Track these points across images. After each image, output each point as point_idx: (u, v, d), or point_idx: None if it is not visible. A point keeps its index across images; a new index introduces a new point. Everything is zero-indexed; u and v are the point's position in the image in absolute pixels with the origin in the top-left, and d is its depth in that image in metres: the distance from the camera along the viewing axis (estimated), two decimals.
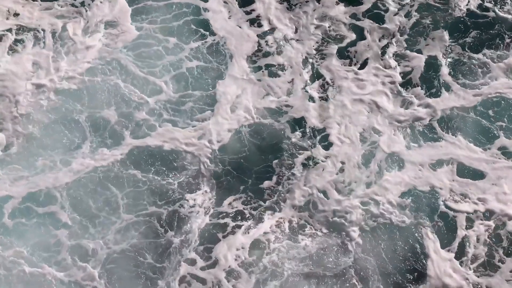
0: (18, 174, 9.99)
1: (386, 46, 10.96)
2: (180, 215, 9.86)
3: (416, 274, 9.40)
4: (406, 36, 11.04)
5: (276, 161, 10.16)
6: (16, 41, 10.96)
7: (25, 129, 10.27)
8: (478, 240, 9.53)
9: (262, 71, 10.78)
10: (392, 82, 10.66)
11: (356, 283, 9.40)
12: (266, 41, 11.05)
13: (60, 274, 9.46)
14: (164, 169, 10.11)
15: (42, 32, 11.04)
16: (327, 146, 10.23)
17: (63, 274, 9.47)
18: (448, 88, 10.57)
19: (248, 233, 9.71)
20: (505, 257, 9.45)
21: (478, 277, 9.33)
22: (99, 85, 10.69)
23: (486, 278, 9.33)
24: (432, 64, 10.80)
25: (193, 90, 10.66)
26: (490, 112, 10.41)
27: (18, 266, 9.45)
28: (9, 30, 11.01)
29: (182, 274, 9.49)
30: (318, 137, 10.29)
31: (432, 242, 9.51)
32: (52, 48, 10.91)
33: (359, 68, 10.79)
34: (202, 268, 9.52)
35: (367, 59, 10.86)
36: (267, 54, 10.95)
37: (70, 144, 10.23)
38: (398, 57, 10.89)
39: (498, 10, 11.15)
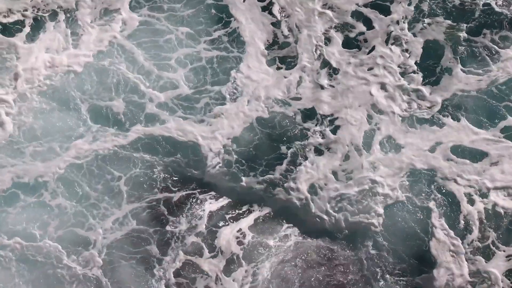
0: (20, 160, 10.07)
1: (391, 33, 11.18)
2: (185, 203, 10.04)
3: (419, 253, 9.79)
4: (409, 23, 11.27)
5: (287, 150, 10.38)
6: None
7: (27, 115, 10.32)
8: (478, 219, 9.88)
9: (276, 61, 10.95)
10: (396, 68, 10.92)
11: (362, 265, 9.82)
12: (279, 30, 11.18)
13: (62, 258, 9.65)
14: (171, 157, 10.29)
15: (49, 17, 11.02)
16: (335, 130, 10.49)
17: (65, 257, 9.67)
18: (450, 72, 10.83)
19: (253, 222, 9.99)
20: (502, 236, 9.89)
21: (474, 255, 9.75)
22: (106, 72, 10.78)
23: (482, 257, 9.74)
24: (434, 49, 11.06)
25: (206, 81, 10.82)
26: (495, 94, 10.77)
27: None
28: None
29: (183, 261, 9.73)
30: (327, 124, 10.55)
31: (434, 222, 9.85)
32: (59, 33, 10.92)
33: (366, 54, 11.03)
34: (203, 256, 9.76)
35: (374, 46, 11.09)
36: (279, 43, 11.11)
37: (73, 129, 10.35)
38: (402, 43, 11.11)
39: None
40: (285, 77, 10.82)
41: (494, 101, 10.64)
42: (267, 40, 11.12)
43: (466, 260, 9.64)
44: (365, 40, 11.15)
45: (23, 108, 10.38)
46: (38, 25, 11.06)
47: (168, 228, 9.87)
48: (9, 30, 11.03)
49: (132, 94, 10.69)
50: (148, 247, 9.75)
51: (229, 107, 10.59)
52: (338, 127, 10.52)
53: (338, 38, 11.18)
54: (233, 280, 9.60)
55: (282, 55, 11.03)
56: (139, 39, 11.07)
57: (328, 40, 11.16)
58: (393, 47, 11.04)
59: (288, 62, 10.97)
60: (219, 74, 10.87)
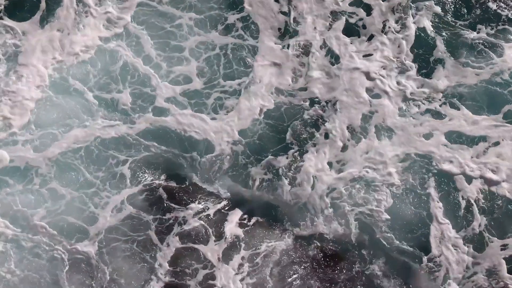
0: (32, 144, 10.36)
1: (389, 20, 11.25)
2: (187, 193, 10.42)
3: (417, 241, 10.12)
4: (410, 10, 11.34)
5: (292, 140, 10.63)
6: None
7: (37, 103, 10.56)
8: (475, 204, 10.17)
9: (286, 49, 11.08)
10: (394, 56, 11.06)
11: (359, 249, 10.14)
12: (288, 18, 11.28)
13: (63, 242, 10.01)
14: (174, 148, 10.59)
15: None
16: (335, 118, 10.72)
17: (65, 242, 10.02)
18: (445, 62, 10.98)
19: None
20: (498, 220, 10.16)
21: (472, 244, 10.05)
22: (113, 59, 10.96)
23: (478, 246, 10.04)
24: (431, 39, 11.16)
25: (215, 72, 11.00)
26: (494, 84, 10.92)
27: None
28: None
29: (180, 248, 10.10)
30: (329, 111, 10.75)
31: (432, 210, 10.14)
32: (67, 19, 11.02)
33: (366, 41, 11.16)
34: (204, 243, 10.12)
35: (372, 35, 11.21)
36: (288, 32, 11.23)
37: (77, 116, 10.60)
38: (402, 30, 11.22)
39: None
40: (293, 66, 10.97)
41: (491, 92, 10.82)
42: (278, 28, 11.23)
43: (464, 246, 9.99)
44: (364, 27, 11.26)
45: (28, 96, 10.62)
46: (47, 9, 11.13)
47: (167, 215, 10.21)
48: (16, 15, 11.13)
49: (139, 82, 10.88)
50: (147, 232, 10.09)
51: (240, 99, 10.81)
52: (338, 112, 10.72)
53: (340, 25, 11.27)
54: (232, 268, 9.95)
55: (290, 43, 11.14)
56: (149, 25, 11.21)
57: (331, 27, 11.27)
58: (390, 34, 11.14)
59: (296, 49, 11.08)
60: (232, 65, 11.06)
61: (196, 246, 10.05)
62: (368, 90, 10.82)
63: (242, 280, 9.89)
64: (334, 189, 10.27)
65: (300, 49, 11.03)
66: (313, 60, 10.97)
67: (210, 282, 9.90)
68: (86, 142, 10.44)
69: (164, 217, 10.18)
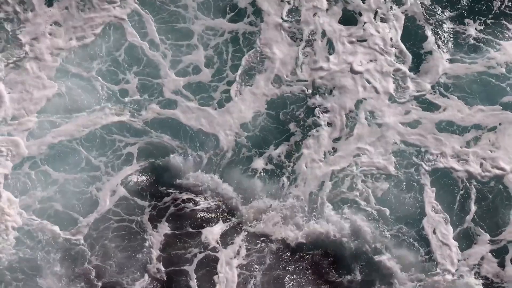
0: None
1: (381, 8, 11.54)
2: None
3: (410, 231, 10.38)
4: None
5: (292, 130, 10.90)
6: None
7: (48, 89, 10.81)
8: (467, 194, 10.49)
9: (290, 38, 11.33)
10: (386, 46, 11.34)
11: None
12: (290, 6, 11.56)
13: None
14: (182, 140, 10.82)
15: None
16: (332, 107, 11.01)
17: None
18: (437, 53, 11.25)
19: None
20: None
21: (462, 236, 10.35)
22: (119, 44, 11.17)
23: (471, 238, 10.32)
24: (423, 31, 11.43)
25: (217, 64, 11.23)
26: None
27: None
28: None
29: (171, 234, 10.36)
30: (327, 100, 11.02)
31: (424, 197, 10.47)
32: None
33: (360, 29, 11.42)
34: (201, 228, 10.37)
35: (365, 22, 11.47)
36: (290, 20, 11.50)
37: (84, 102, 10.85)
38: (392, 21, 11.50)
39: None
40: (296, 55, 11.23)
41: (483, 83, 11.12)
42: (281, 16, 11.47)
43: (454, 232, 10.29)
44: (360, 14, 11.51)
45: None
46: None
47: (165, 199, 10.49)
48: None
49: (147, 72, 11.10)
50: (143, 215, 10.39)
51: (245, 91, 11.05)
52: (334, 102, 11.00)
53: (336, 13, 11.53)
54: (230, 251, 10.23)
55: (292, 32, 11.41)
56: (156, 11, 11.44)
57: (327, 16, 11.52)
58: (382, 24, 11.44)
59: (296, 39, 11.35)
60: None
61: (194, 231, 10.36)
62: (361, 79, 11.10)
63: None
64: (328, 183, 10.57)
65: (303, 38, 11.30)
66: (311, 50, 11.27)
67: (210, 264, 10.22)
68: (90, 128, 10.76)
69: (160, 202, 10.46)
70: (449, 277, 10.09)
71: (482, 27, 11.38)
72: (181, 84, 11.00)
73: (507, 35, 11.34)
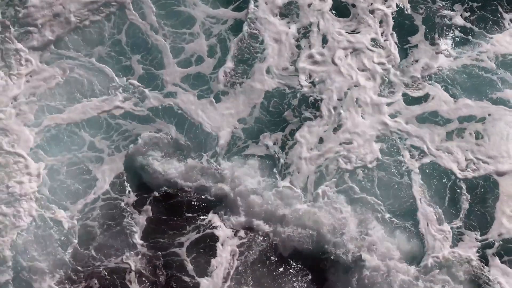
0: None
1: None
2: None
3: (402, 212, 10.53)
4: None
5: (285, 120, 11.17)
6: None
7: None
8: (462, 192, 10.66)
9: (285, 30, 11.63)
10: (376, 38, 11.70)
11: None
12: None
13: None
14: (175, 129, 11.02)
15: None
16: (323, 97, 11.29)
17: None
18: (425, 45, 11.58)
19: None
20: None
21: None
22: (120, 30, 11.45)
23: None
24: (413, 23, 11.78)
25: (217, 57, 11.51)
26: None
27: None
28: None
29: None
30: (319, 91, 11.29)
31: (414, 188, 10.64)
32: None
33: (353, 21, 11.78)
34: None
35: (357, 14, 11.83)
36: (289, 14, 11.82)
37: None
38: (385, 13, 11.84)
39: None
40: (294, 47, 11.53)
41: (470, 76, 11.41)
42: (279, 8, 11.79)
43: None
44: (354, 5, 11.86)
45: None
46: None
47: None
48: None
49: (150, 60, 11.38)
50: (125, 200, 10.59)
51: (245, 83, 11.31)
52: (326, 92, 11.29)
53: (330, 5, 11.89)
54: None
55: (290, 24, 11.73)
56: None
57: (322, 8, 11.87)
58: (373, 15, 11.77)
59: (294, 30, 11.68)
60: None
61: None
62: (350, 70, 11.38)
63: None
64: (318, 172, 10.80)
65: (298, 30, 11.63)
66: (307, 43, 11.57)
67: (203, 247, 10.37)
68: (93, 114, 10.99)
69: (152, 190, 10.66)
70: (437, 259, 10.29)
71: (471, 19, 11.70)
72: (182, 74, 11.27)
73: (497, 28, 11.67)
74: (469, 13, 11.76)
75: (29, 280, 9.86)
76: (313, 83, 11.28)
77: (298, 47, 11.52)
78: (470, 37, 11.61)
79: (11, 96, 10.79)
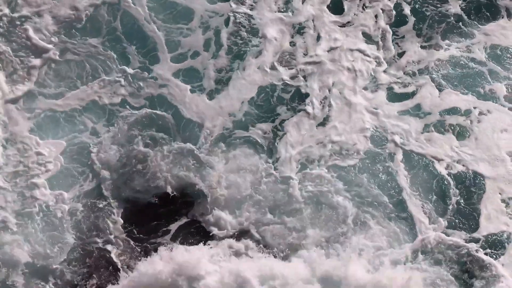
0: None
1: None
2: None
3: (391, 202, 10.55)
4: None
5: (276, 112, 11.28)
6: None
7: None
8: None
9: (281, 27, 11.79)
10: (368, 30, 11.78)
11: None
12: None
13: None
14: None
15: None
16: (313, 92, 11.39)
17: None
18: (415, 38, 11.62)
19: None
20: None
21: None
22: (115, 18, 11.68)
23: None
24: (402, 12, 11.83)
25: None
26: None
27: None
28: None
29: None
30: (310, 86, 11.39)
31: (399, 180, 10.68)
32: None
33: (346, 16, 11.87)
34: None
35: (351, 8, 11.92)
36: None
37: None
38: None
39: None
40: (288, 42, 11.69)
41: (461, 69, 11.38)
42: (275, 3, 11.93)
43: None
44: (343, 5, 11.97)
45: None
46: None
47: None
48: None
49: (144, 53, 11.56)
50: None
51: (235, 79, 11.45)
52: (317, 84, 11.40)
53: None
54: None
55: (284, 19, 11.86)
56: None
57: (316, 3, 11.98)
58: (366, 10, 11.86)
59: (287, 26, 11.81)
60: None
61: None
62: (340, 64, 11.47)
63: None
64: (304, 163, 10.88)
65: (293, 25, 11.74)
66: (301, 38, 11.69)
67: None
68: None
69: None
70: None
71: (462, 11, 11.68)
72: (175, 68, 11.47)
73: (487, 19, 11.64)
74: (460, 6, 11.75)
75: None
76: (304, 78, 11.40)
77: (292, 43, 11.64)
78: (461, 29, 11.56)
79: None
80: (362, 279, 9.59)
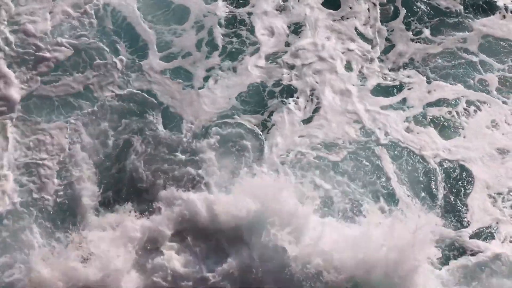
0: None
1: None
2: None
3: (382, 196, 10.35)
4: None
5: (264, 107, 11.27)
6: None
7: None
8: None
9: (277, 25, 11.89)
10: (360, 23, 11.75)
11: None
12: None
13: None
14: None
15: None
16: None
17: None
18: (404, 32, 11.56)
19: None
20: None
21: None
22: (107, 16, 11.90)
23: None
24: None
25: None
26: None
27: None
28: None
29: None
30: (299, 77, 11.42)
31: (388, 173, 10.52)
32: None
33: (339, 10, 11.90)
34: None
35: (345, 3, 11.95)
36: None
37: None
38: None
39: None
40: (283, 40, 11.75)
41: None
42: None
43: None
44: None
45: None
46: None
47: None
48: None
49: (134, 50, 11.71)
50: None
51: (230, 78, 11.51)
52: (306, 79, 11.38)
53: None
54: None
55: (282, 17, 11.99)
56: None
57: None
58: (360, 5, 11.88)
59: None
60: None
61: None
62: (331, 59, 11.46)
63: None
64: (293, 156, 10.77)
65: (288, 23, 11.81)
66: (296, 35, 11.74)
67: None
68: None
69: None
70: None
71: (453, 5, 11.58)
72: (165, 65, 11.55)
73: (479, 12, 11.50)
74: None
75: None
76: (297, 75, 11.39)
77: (287, 42, 11.69)
78: (454, 21, 11.45)
79: None
80: None
